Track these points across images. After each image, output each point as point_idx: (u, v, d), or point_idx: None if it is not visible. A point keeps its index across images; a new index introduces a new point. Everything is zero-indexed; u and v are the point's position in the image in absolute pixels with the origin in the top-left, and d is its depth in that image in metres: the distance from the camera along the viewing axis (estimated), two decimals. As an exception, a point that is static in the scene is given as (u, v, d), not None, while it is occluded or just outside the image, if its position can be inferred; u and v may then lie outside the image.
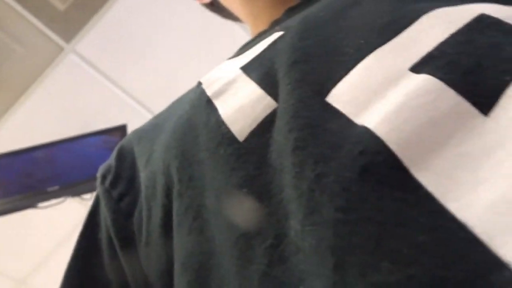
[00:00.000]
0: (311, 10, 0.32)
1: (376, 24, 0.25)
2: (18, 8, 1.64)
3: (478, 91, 0.18)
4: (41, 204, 1.67)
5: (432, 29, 0.22)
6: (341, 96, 0.23)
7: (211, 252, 0.26)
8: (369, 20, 0.26)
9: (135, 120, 1.79)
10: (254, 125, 0.26)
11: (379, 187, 0.18)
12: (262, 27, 0.41)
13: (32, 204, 1.66)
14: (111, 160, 0.38)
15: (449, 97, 0.19)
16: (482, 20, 0.21)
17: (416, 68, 0.21)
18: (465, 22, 0.21)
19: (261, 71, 0.29)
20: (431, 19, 0.23)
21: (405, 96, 0.20)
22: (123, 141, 0.39)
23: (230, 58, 0.36)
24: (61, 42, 1.73)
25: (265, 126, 0.26)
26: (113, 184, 0.36)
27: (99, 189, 0.37)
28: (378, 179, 0.18)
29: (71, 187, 1.67)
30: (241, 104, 0.28)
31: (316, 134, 0.22)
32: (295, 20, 0.32)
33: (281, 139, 0.24)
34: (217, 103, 0.30)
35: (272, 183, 0.23)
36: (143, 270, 0.32)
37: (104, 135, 1.78)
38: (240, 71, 0.31)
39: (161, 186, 0.31)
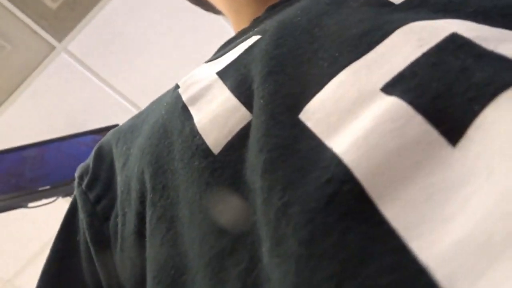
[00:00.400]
0: (288, 13, 0.31)
1: (351, 35, 0.25)
2: (9, 6, 1.63)
3: (446, 119, 0.18)
4: (32, 204, 1.65)
5: (405, 46, 0.21)
6: (313, 114, 0.22)
7: (183, 268, 0.25)
8: (344, 30, 0.25)
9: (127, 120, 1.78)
10: (229, 137, 0.26)
11: (344, 220, 0.17)
12: (244, 24, 0.41)
13: (23, 204, 1.65)
14: (89, 160, 0.37)
15: (417, 123, 0.18)
16: (453, 41, 0.20)
17: (387, 89, 0.20)
18: (437, 41, 0.20)
19: (236, 79, 0.28)
20: (404, 35, 0.22)
21: (374, 120, 0.19)
22: (102, 141, 0.38)
23: (208, 61, 0.36)
24: (52, 41, 1.72)
25: (240, 139, 0.25)
26: (90, 186, 0.35)
27: (76, 190, 0.36)
28: (343, 211, 0.17)
29: (62, 187, 1.66)
30: (216, 113, 0.27)
31: (285, 157, 0.21)
32: (272, 23, 0.31)
33: (253, 158, 0.23)
34: (192, 110, 0.29)
35: (247, 202, 0.23)
36: (118, 275, 0.32)
37: (95, 135, 1.77)
38: (216, 77, 0.30)
39: (136, 193, 0.30)
